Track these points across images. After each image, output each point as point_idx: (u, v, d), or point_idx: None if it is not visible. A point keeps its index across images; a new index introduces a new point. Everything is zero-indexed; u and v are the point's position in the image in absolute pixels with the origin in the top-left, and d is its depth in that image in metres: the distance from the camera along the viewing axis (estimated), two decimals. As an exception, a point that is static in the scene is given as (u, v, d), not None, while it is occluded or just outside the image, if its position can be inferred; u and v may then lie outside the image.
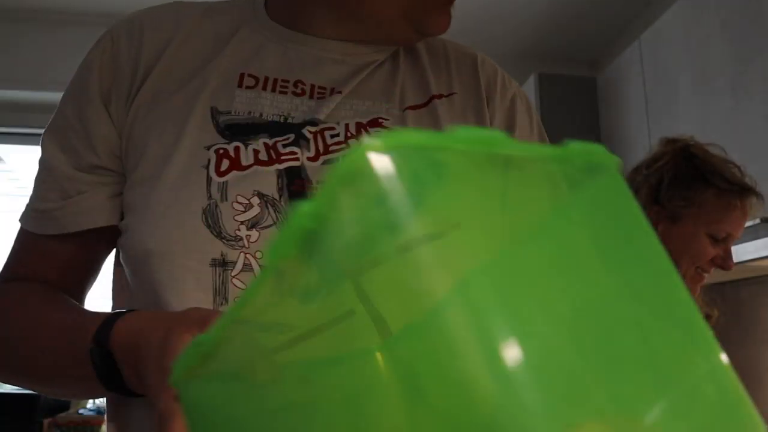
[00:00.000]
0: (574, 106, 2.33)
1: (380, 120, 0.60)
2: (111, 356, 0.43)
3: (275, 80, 0.59)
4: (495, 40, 2.71)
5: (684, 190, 1.13)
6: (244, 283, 0.50)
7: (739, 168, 1.16)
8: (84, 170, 0.57)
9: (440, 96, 0.63)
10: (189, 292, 0.50)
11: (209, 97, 0.57)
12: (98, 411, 2.10)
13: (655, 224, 1.14)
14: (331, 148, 0.56)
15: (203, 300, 0.49)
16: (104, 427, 2.14)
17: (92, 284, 0.62)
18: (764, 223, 1.42)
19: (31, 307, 0.55)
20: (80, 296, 0.61)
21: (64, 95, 0.62)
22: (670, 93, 1.89)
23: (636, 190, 1.17)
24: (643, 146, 1.97)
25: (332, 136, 0.57)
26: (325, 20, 0.61)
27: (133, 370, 0.42)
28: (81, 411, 2.10)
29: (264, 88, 0.59)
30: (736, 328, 1.86)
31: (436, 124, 0.61)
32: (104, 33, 0.61)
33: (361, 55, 0.62)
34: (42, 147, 0.59)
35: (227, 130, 0.55)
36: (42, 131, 0.60)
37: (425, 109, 0.62)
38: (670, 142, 1.22)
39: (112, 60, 0.59)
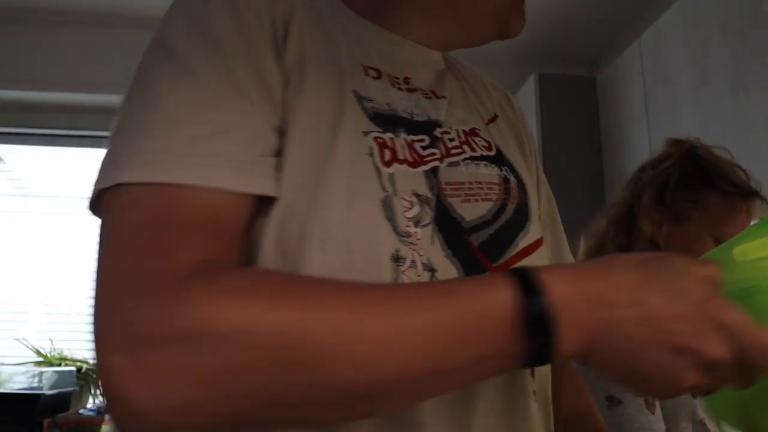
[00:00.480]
0: (574, 106, 2.33)
1: (476, 130, 0.61)
2: (544, 319, 0.38)
3: (389, 75, 0.57)
4: (495, 41, 2.70)
5: (689, 192, 1.13)
6: (411, 280, 0.48)
7: (744, 171, 1.16)
8: (274, 131, 0.48)
9: (498, 116, 0.67)
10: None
11: (349, 78, 0.53)
12: (98, 411, 2.10)
13: (660, 225, 1.14)
14: (451, 152, 0.56)
15: None
16: (104, 427, 2.14)
17: None
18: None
19: (331, 298, 0.39)
20: None
21: (207, 40, 0.47)
22: (670, 93, 1.89)
23: (641, 190, 1.17)
24: (643, 146, 1.97)
25: (450, 140, 0.57)
26: (407, 13, 0.60)
27: (585, 324, 0.39)
28: (81, 411, 2.10)
29: (387, 81, 0.56)
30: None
31: (504, 142, 0.64)
32: None
33: (432, 61, 0.63)
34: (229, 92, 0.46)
35: (376, 119, 0.52)
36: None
37: (494, 124, 0.65)
38: (676, 143, 1.22)
39: (249, 4, 0.50)
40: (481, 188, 0.56)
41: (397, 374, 0.38)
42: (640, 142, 2.02)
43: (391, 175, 0.50)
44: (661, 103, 1.93)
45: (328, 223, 0.46)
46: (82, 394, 2.23)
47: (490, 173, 0.58)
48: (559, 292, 0.38)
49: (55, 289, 2.47)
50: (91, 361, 2.29)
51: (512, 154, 0.63)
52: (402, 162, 0.51)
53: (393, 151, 0.51)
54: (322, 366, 0.36)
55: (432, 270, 0.49)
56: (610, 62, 2.39)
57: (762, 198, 1.15)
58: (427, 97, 0.58)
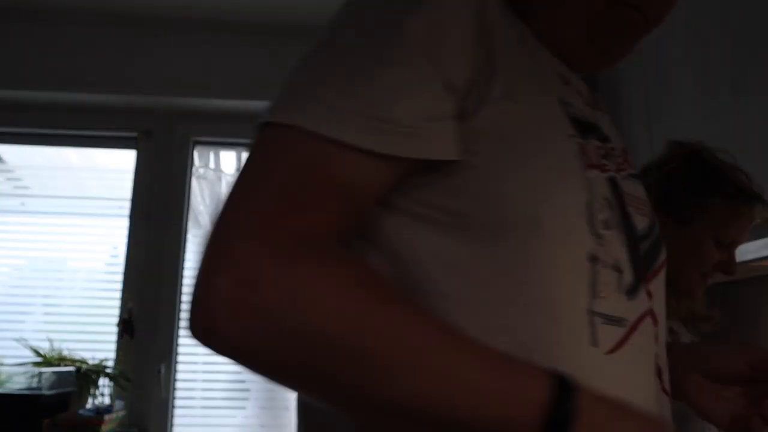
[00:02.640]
0: (574, 107, 2.33)
1: (625, 149, 0.63)
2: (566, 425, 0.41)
3: (567, 79, 0.60)
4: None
5: (693, 195, 1.14)
6: (607, 281, 0.49)
7: (747, 175, 1.17)
8: (452, 92, 0.47)
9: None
10: (571, 280, 0.48)
11: (552, 84, 0.56)
12: (97, 411, 2.10)
13: (663, 227, 1.15)
14: (620, 165, 0.59)
15: (580, 291, 0.48)
16: (104, 427, 2.14)
17: None
18: (765, 224, 1.41)
19: (399, 314, 0.42)
20: None
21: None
22: (670, 93, 1.88)
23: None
24: (644, 146, 1.97)
25: (617, 155, 0.59)
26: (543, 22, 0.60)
27: None
28: (80, 411, 2.10)
29: (573, 90, 0.59)
30: (736, 328, 1.86)
31: None
32: None
33: (572, 78, 0.62)
34: (413, 39, 0.46)
35: (574, 123, 0.54)
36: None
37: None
38: (679, 145, 1.22)
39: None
40: (641, 204, 0.59)
41: (383, 397, 0.41)
42: (640, 142, 2.02)
43: (592, 179, 0.51)
44: (661, 103, 1.93)
45: (539, 203, 0.48)
46: (81, 395, 2.22)
47: (642, 192, 0.61)
48: (587, 417, 0.42)
49: (54, 289, 2.47)
50: (91, 361, 2.29)
51: None
52: (594, 167, 0.53)
53: (588, 156, 0.53)
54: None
55: (619, 271, 0.51)
56: (610, 62, 2.38)
57: (764, 202, 1.15)
58: (592, 110, 0.60)
